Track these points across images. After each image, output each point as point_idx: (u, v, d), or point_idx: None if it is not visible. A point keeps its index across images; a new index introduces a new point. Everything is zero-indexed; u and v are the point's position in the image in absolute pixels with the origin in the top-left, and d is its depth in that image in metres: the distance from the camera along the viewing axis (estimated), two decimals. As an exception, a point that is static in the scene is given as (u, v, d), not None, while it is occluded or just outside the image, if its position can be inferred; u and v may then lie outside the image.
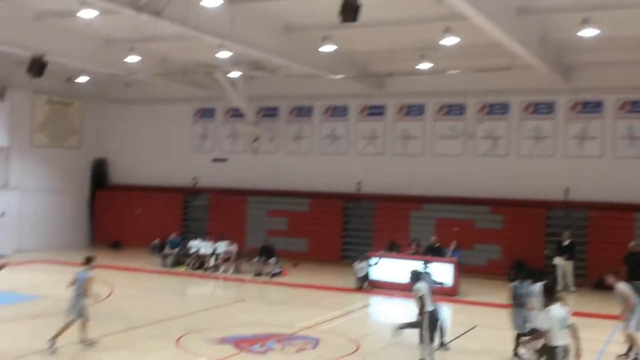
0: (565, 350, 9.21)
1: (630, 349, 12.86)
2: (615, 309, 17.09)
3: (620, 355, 13.00)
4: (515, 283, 12.93)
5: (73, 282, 12.62)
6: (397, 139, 26.29)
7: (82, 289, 12.44)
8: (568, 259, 21.13)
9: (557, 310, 9.41)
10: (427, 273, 14.35)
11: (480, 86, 24.10)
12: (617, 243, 19.61)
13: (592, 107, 23.16)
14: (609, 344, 14.20)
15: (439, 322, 12.52)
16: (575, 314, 16.52)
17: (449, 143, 25.27)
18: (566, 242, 21.24)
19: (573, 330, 9.31)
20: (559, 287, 20.99)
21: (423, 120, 25.85)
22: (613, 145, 22.78)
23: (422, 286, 12.17)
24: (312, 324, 15.39)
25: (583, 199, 22.42)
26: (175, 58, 24.28)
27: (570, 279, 21.00)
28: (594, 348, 13.65)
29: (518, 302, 12.64)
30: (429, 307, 11.98)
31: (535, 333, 10.25)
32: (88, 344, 12.55)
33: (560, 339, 9.20)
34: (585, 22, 16.29)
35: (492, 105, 24.66)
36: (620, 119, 22.73)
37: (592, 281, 20.93)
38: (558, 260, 21.25)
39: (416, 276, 12.61)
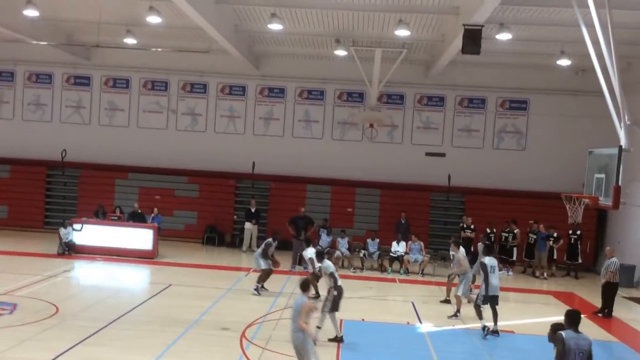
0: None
1: (458, 311, 14.50)
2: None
3: (450, 316, 14.50)
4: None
5: None
6: (103, 109, 25.73)
7: None
8: (255, 223, 22.96)
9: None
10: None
11: (182, 66, 24.74)
12: (291, 210, 21.90)
13: (276, 93, 25.31)
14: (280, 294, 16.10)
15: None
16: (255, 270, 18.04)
17: (154, 116, 25.52)
18: (253, 209, 23.07)
19: None
20: (244, 247, 22.88)
21: (129, 94, 25.66)
22: (293, 126, 25.13)
23: (329, 264, 12.43)
24: (10, 289, 14.68)
25: (267, 172, 24.52)
26: None
27: (254, 240, 22.84)
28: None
29: None
30: (339, 282, 12.18)
31: None
32: None
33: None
34: (273, 16, 17.71)
35: (192, 85, 25.47)
36: (297, 104, 25.22)
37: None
38: (247, 225, 22.99)
39: (322, 255, 13.00)
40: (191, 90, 25.47)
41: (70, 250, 19.99)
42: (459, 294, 14.49)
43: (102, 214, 21.75)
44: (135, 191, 24.30)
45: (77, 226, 20.35)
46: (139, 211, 21.73)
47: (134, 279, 18.33)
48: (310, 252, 15.26)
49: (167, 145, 25.08)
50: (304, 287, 9.32)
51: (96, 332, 11.73)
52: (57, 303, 13.60)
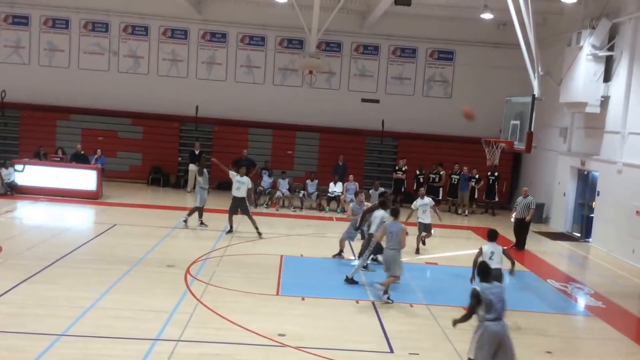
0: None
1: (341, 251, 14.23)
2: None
3: (335, 255, 14.23)
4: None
5: None
6: (42, 50, 24.35)
7: None
8: (199, 165, 22.52)
9: None
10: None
11: (122, 7, 23.65)
12: (234, 152, 21.66)
13: (218, 38, 24.52)
14: (224, 232, 15.97)
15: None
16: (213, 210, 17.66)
17: (95, 58, 24.35)
18: (197, 151, 22.62)
19: None
20: (189, 188, 22.55)
21: (69, 34, 24.31)
22: (235, 71, 24.61)
23: (383, 214, 12.33)
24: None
25: (210, 115, 23.98)
26: None
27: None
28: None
29: None
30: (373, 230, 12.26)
31: None
32: None
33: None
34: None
35: (134, 27, 24.33)
36: (239, 49, 24.56)
37: (213, 184, 22.78)
38: (191, 167, 22.56)
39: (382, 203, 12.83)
40: (132, 33, 24.36)
41: (13, 191, 19.19)
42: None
43: (43, 155, 20.87)
44: (77, 132, 23.38)
45: (18, 167, 19.49)
46: (82, 152, 20.98)
47: (78, 219, 17.80)
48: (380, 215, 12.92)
49: (109, 87, 24.08)
50: (396, 214, 11.30)
51: (41, 270, 11.41)
52: (0, 243, 13.08)
